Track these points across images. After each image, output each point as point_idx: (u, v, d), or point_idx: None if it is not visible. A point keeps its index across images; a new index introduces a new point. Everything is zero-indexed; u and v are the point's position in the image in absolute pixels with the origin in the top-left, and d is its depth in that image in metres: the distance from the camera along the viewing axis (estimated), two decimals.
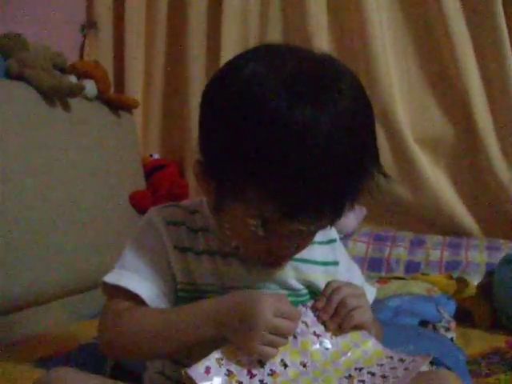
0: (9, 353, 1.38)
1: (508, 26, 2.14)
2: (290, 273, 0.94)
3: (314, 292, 0.96)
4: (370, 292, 1.06)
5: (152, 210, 0.98)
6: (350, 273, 1.04)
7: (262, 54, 0.83)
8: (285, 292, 0.93)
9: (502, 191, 2.16)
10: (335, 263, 1.00)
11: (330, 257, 1.00)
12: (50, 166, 1.76)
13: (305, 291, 0.96)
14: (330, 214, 0.82)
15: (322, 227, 0.86)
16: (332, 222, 0.85)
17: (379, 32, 2.24)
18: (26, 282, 1.59)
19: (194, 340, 0.84)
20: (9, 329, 1.55)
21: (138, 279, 0.89)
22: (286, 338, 0.82)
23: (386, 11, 2.29)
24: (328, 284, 0.91)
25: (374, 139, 0.84)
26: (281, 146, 0.75)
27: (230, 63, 0.85)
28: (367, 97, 0.83)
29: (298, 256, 0.92)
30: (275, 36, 2.35)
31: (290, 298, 0.90)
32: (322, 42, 2.28)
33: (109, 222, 1.99)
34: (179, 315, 0.86)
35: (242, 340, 0.80)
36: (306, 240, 0.89)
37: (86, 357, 1.28)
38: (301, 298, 0.95)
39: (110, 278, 0.91)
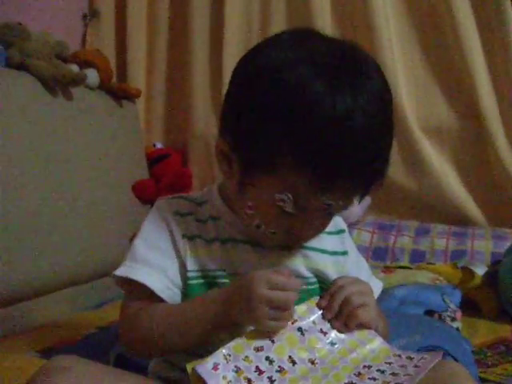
0: (12, 343, 1.39)
1: None
2: (299, 260, 0.95)
3: (322, 281, 0.96)
4: (377, 286, 1.06)
5: (159, 202, 0.98)
6: (357, 264, 1.05)
7: (290, 38, 0.86)
8: None
9: (508, 180, 2.15)
10: (344, 253, 1.01)
11: (339, 247, 1.01)
12: (51, 155, 1.75)
13: (314, 280, 0.96)
14: (361, 188, 0.85)
15: (349, 204, 0.86)
16: (361, 197, 0.87)
17: (384, 21, 2.22)
18: (29, 272, 1.59)
19: (208, 327, 0.85)
20: (12, 319, 1.55)
21: (147, 271, 0.90)
22: (288, 310, 0.82)
23: (392, 3, 2.27)
24: (334, 281, 0.91)
25: (393, 116, 0.88)
26: (322, 127, 0.78)
27: (259, 46, 0.88)
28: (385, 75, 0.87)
29: (307, 244, 0.93)
30: (278, 22, 2.33)
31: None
32: (325, 30, 2.25)
33: (111, 211, 1.98)
34: (192, 306, 0.88)
35: (246, 318, 0.81)
36: (325, 223, 0.90)
37: (90, 347, 1.28)
38: (310, 287, 0.95)
39: (121, 272, 0.91)
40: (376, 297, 1.02)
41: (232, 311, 0.83)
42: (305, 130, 0.78)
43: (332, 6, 2.32)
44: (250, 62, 0.88)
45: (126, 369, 0.91)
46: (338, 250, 1.00)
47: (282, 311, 0.81)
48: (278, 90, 0.80)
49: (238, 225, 0.92)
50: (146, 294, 0.89)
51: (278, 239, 0.89)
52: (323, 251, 0.97)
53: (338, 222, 1.02)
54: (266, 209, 0.85)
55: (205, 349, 0.85)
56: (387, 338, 0.99)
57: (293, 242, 0.91)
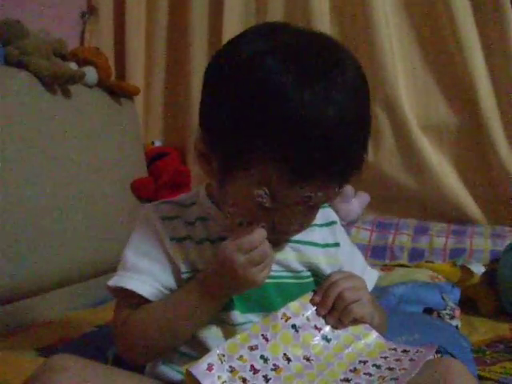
0: (11, 341, 1.39)
1: None
2: (290, 254, 0.95)
3: (316, 275, 0.96)
4: (373, 275, 1.06)
5: (146, 208, 0.98)
6: (351, 255, 1.04)
7: (263, 31, 0.85)
8: (287, 274, 0.94)
9: (507, 178, 2.15)
10: (336, 245, 1.00)
11: (330, 239, 1.00)
12: (50, 153, 1.75)
13: (307, 273, 0.96)
14: (337, 179, 0.83)
15: (329, 196, 0.85)
16: (338, 189, 0.86)
17: (383, 21, 2.22)
18: (29, 270, 1.59)
19: (195, 314, 0.86)
20: (11, 317, 1.55)
21: (138, 278, 0.91)
22: (269, 257, 0.84)
23: (390, 0, 2.27)
24: (327, 277, 0.91)
25: (370, 105, 0.87)
26: (290, 120, 0.77)
27: (232, 39, 0.87)
28: (361, 67, 0.86)
29: (298, 238, 0.93)
30: (276, 17, 2.33)
31: (292, 280, 0.93)
32: (324, 27, 2.25)
33: (110, 209, 1.98)
34: (175, 296, 0.89)
35: (238, 287, 0.85)
36: (309, 216, 0.89)
37: (88, 345, 1.28)
38: (304, 280, 0.95)
39: (112, 282, 0.92)
40: (373, 285, 1.04)
41: (217, 290, 0.85)
42: (274, 123, 0.78)
43: (331, 6, 2.31)
44: (222, 56, 0.88)
45: (124, 368, 0.91)
46: (329, 242, 1.00)
47: (264, 262, 0.83)
48: (247, 84, 0.80)
49: (225, 223, 0.91)
50: (138, 301, 0.90)
51: None
52: (314, 244, 0.97)
53: (328, 213, 1.02)
54: (246, 205, 0.85)
55: (200, 347, 0.87)
56: (385, 328, 0.99)
57: (278, 238, 0.90)
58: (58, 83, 1.83)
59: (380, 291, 1.56)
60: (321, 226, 0.99)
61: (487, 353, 1.35)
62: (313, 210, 0.89)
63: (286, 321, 0.85)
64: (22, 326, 1.51)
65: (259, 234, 0.83)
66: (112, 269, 0.97)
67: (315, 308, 0.88)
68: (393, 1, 2.28)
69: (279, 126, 0.77)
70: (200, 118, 0.89)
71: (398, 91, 2.23)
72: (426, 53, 2.28)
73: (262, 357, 0.81)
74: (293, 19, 2.32)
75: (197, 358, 0.80)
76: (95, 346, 1.22)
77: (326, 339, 0.86)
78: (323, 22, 2.27)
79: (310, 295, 0.90)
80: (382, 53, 2.21)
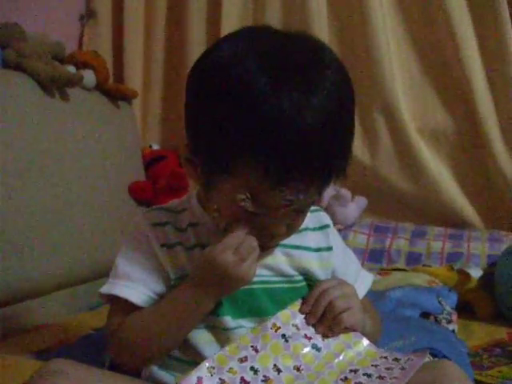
0: (9, 344, 1.38)
1: (511, 16, 2.12)
2: (282, 259, 0.94)
3: (310, 280, 0.96)
4: (367, 279, 1.05)
5: (137, 215, 0.99)
6: (344, 258, 1.04)
7: (241, 35, 0.86)
8: (279, 279, 0.94)
9: (504, 183, 2.15)
10: (329, 249, 1.00)
11: (323, 242, 1.00)
12: (48, 156, 1.75)
13: (299, 278, 0.95)
14: (319, 181, 0.83)
15: (311, 198, 0.85)
16: (320, 191, 0.85)
17: (381, 24, 2.23)
18: (26, 274, 1.58)
19: (184, 318, 0.87)
20: (9, 320, 1.54)
21: (130, 285, 0.91)
22: (255, 250, 0.85)
23: (388, 3, 2.28)
24: (316, 286, 0.91)
25: (354, 108, 0.86)
26: (267, 124, 0.77)
27: (212, 45, 0.88)
28: (345, 67, 0.85)
29: (290, 242, 0.93)
30: (274, 21, 2.33)
31: (284, 285, 0.93)
32: (322, 33, 2.26)
33: (108, 213, 1.98)
34: (165, 301, 0.90)
35: (231, 285, 0.85)
36: (296, 219, 0.89)
37: (86, 348, 1.28)
38: (297, 285, 0.95)
39: (104, 289, 0.93)
40: (368, 288, 1.03)
41: (206, 292, 0.85)
42: (252, 127, 0.77)
43: (328, 9, 2.31)
44: (202, 60, 0.88)
45: (121, 372, 0.91)
46: (322, 246, 0.99)
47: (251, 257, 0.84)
48: (225, 88, 0.80)
49: (217, 229, 0.91)
50: (130, 308, 0.91)
51: None
52: (307, 248, 0.97)
53: (321, 217, 1.02)
54: (231, 209, 0.85)
55: (192, 353, 0.87)
56: (379, 333, 0.99)
57: (266, 243, 0.90)
58: (56, 86, 1.83)
59: (377, 295, 1.56)
60: (313, 229, 0.99)
61: (484, 357, 1.35)
62: (299, 213, 0.88)
63: (276, 331, 0.84)
64: (20, 329, 1.51)
65: (242, 230, 0.84)
66: (109, 272, 0.97)
67: (305, 316, 0.87)
68: (390, 7, 2.28)
69: (257, 131, 0.77)
70: (184, 124, 0.90)
71: (396, 96, 2.23)
72: (424, 58, 2.28)
73: (252, 368, 0.80)
74: (291, 24, 2.33)
75: (190, 363, 0.79)
76: (93, 349, 1.22)
77: (317, 348, 0.85)
78: (321, 29, 2.27)
79: (299, 303, 0.89)
80: (380, 58, 2.22)
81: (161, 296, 0.91)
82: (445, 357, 1.18)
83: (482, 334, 1.52)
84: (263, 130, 0.77)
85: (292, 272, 0.95)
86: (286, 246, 0.94)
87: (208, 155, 0.84)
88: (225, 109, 0.79)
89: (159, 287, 0.91)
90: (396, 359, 0.85)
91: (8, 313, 1.54)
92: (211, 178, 0.85)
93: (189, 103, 0.89)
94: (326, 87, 0.79)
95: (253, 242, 0.84)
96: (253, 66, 0.78)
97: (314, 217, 0.96)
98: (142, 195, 2.19)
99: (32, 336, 1.44)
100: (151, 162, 2.39)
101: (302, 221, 0.91)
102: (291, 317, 0.86)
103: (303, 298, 0.90)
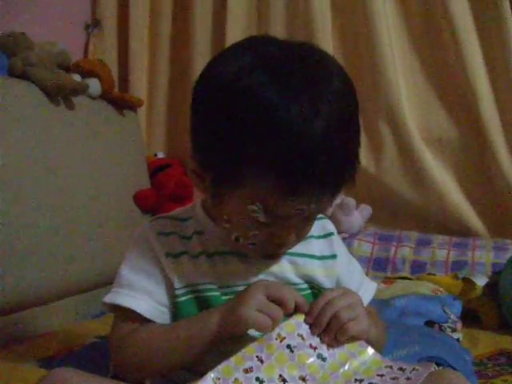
0: (13, 352, 1.39)
1: None
2: (287, 267, 0.94)
3: (315, 288, 0.96)
4: (371, 287, 1.05)
5: (141, 226, 0.98)
6: (348, 267, 1.04)
7: (247, 46, 0.86)
8: None
9: (509, 191, 2.14)
10: (333, 257, 1.00)
11: (327, 250, 1.00)
12: (53, 164, 1.76)
13: (304, 286, 0.96)
14: (329, 191, 0.83)
15: (322, 207, 0.85)
16: (331, 200, 0.85)
17: (385, 34, 2.23)
18: (30, 281, 1.59)
19: (203, 339, 0.85)
20: (13, 328, 1.55)
21: (134, 295, 0.91)
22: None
23: (392, 11, 2.28)
24: (320, 296, 0.89)
25: (358, 115, 0.86)
26: (278, 134, 0.77)
27: (217, 57, 0.88)
28: (348, 76, 0.86)
29: (295, 250, 0.93)
30: (277, 31, 2.33)
31: None
32: (327, 41, 2.27)
33: (113, 221, 1.98)
34: (183, 324, 0.89)
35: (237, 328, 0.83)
36: (305, 228, 0.89)
37: (90, 356, 1.28)
38: (301, 293, 0.94)
39: (108, 298, 0.93)
40: (371, 297, 1.03)
41: (218, 327, 0.84)
42: (263, 138, 0.78)
43: (333, 18, 2.32)
44: (208, 73, 0.88)
45: (125, 380, 0.91)
46: (326, 254, 0.99)
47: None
48: (234, 101, 0.80)
49: (222, 237, 0.91)
50: (134, 318, 0.90)
51: (260, 249, 0.89)
52: (311, 256, 0.97)
53: (326, 225, 1.02)
54: (241, 221, 0.85)
55: (197, 361, 0.86)
56: (384, 341, 0.99)
57: (276, 251, 0.90)
58: (61, 95, 1.84)
59: (381, 304, 1.55)
60: (318, 237, 0.99)
61: (489, 366, 1.34)
62: (308, 221, 0.89)
63: (281, 341, 0.83)
64: (24, 337, 1.51)
65: (300, 328, 0.84)
66: (114, 280, 0.97)
67: (309, 326, 0.87)
68: (395, 16, 2.28)
69: (267, 142, 0.77)
70: (191, 137, 0.90)
71: (400, 105, 2.23)
72: (428, 66, 2.28)
73: (257, 379, 0.79)
74: (295, 32, 2.33)
75: (193, 372, 0.79)
76: (97, 357, 1.22)
77: (322, 358, 0.84)
78: (326, 38, 2.28)
79: (304, 314, 0.89)
80: (385, 67, 2.22)
81: (165, 306, 0.91)
82: (449, 366, 1.18)
83: (487, 342, 1.51)
84: (273, 141, 0.77)
85: (297, 280, 0.95)
86: (291, 253, 0.94)
87: (217, 168, 0.84)
88: (234, 122, 0.80)
89: (163, 297, 0.91)
90: (401, 369, 0.84)
91: (12, 320, 1.55)
92: (221, 189, 0.85)
93: (195, 116, 0.89)
94: (334, 97, 0.80)
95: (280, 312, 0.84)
96: (261, 79, 0.78)
97: (318, 224, 0.96)
98: (146, 203, 2.20)
99: (36, 344, 1.45)
100: (156, 170, 2.39)
101: (311, 228, 0.92)
102: (296, 326, 0.85)
103: (307, 311, 0.90)
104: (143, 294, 0.90)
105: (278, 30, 2.34)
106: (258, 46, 0.85)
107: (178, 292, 0.91)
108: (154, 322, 0.90)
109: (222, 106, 0.81)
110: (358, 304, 0.89)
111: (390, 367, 0.85)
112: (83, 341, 1.43)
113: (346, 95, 0.83)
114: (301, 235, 0.90)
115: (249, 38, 0.90)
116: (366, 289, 1.02)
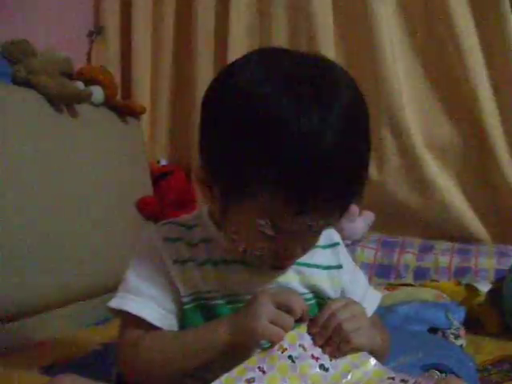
0: (14, 359, 1.39)
1: None
2: (293, 277, 0.94)
3: (320, 298, 0.96)
4: (375, 297, 1.05)
5: (149, 229, 0.98)
6: (353, 277, 1.03)
7: (257, 58, 0.85)
8: None
9: None
10: (338, 267, 1.00)
11: (333, 260, 1.00)
12: (56, 171, 1.76)
13: (310, 295, 0.95)
14: (339, 206, 0.83)
15: (331, 222, 0.85)
16: (340, 216, 0.85)
17: (388, 41, 2.23)
18: (32, 288, 1.59)
19: (213, 349, 0.85)
20: (15, 335, 1.54)
21: (141, 301, 0.90)
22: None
23: (394, 19, 2.28)
24: (324, 308, 0.89)
25: (369, 128, 0.85)
26: (289, 149, 0.76)
27: (227, 69, 0.88)
28: (359, 89, 0.85)
29: (301, 260, 0.92)
30: (281, 40, 2.34)
31: None
32: (328, 50, 2.27)
33: (116, 228, 1.98)
34: (192, 333, 0.88)
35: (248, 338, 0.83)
36: (312, 240, 0.89)
37: (92, 363, 1.28)
38: (307, 303, 0.93)
39: (114, 303, 0.92)
40: (375, 307, 1.03)
41: (237, 327, 0.84)
42: (273, 153, 0.77)
43: (335, 25, 2.32)
44: (218, 84, 0.87)
45: None
46: (332, 264, 0.99)
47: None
48: (244, 114, 0.79)
49: (229, 246, 0.91)
50: (141, 324, 0.90)
51: (267, 260, 0.88)
52: (317, 266, 0.97)
53: (331, 235, 1.02)
54: (249, 233, 0.84)
55: (202, 368, 0.86)
56: (388, 349, 0.98)
57: (282, 263, 0.90)
58: (64, 102, 1.84)
59: (384, 310, 1.55)
60: (324, 247, 0.99)
61: (492, 372, 1.34)
62: (316, 234, 0.88)
63: (283, 352, 0.83)
64: (26, 344, 1.51)
65: (302, 338, 0.84)
66: (117, 287, 0.97)
67: (312, 337, 0.86)
68: (396, 23, 2.28)
69: (277, 156, 0.76)
70: (199, 147, 0.88)
71: (402, 111, 2.23)
72: (430, 73, 2.28)
73: None
74: (298, 38, 2.34)
75: (198, 379, 0.79)
76: (100, 363, 1.22)
77: (324, 368, 0.84)
78: (327, 45, 2.28)
79: (305, 325, 0.88)
80: (388, 75, 2.22)
81: (172, 313, 0.91)
82: (453, 373, 1.18)
83: (490, 348, 1.51)
84: (283, 158, 0.76)
85: (302, 290, 0.95)
86: (297, 263, 0.93)
87: (227, 181, 0.83)
88: (244, 135, 0.79)
89: (170, 304, 0.91)
90: (403, 381, 0.84)
91: (14, 328, 1.55)
92: (229, 200, 0.84)
93: (205, 127, 0.87)
94: (343, 107, 0.79)
95: (290, 321, 0.84)
96: (271, 92, 0.77)
97: (324, 234, 0.95)
98: (149, 210, 2.19)
99: (38, 351, 1.45)
100: (159, 177, 2.39)
101: (317, 240, 0.91)
102: (298, 337, 0.85)
103: (310, 320, 0.90)
104: (150, 301, 0.90)
105: (280, 33, 2.35)
106: (268, 58, 0.85)
107: (185, 299, 0.90)
108: (162, 329, 0.90)
109: (233, 119, 0.80)
110: (361, 315, 0.89)
111: (392, 379, 0.85)
112: (85, 348, 1.43)
113: (356, 107, 0.82)
114: (308, 248, 0.90)
115: (257, 50, 0.89)
116: (371, 299, 1.02)
